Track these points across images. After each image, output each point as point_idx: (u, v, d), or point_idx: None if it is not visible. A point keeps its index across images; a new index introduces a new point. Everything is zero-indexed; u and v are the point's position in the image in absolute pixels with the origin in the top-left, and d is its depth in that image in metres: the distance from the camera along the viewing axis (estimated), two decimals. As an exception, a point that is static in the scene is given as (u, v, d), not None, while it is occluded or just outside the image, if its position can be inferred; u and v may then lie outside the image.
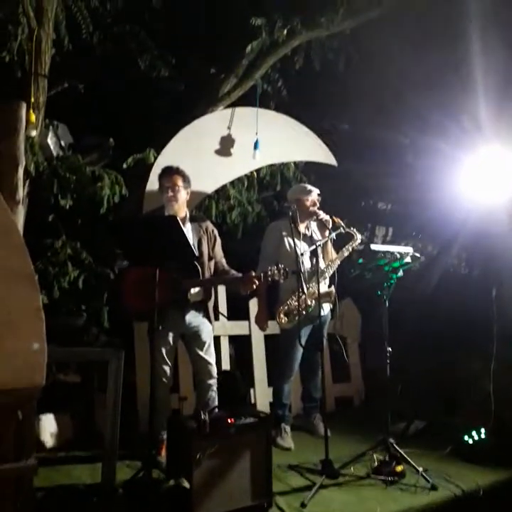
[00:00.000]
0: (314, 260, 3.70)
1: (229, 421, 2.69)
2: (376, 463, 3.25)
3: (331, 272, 3.76)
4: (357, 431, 4.00)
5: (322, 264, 3.75)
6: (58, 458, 3.39)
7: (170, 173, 3.37)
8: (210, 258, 3.44)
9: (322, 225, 3.83)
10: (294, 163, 4.75)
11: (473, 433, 3.54)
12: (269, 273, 3.19)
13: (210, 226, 3.55)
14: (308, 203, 3.81)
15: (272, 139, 4.29)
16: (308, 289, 3.66)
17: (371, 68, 4.50)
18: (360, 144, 5.28)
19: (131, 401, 3.78)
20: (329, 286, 3.78)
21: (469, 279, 4.48)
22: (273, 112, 4.46)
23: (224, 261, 3.53)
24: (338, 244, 3.89)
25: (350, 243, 3.80)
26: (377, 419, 3.52)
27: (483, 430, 3.51)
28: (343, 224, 3.74)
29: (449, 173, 4.24)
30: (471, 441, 3.55)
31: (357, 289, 4.56)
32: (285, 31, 4.33)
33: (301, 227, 3.84)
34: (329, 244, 3.86)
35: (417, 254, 3.32)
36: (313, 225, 3.93)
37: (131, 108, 4.60)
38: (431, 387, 4.35)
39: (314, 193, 3.85)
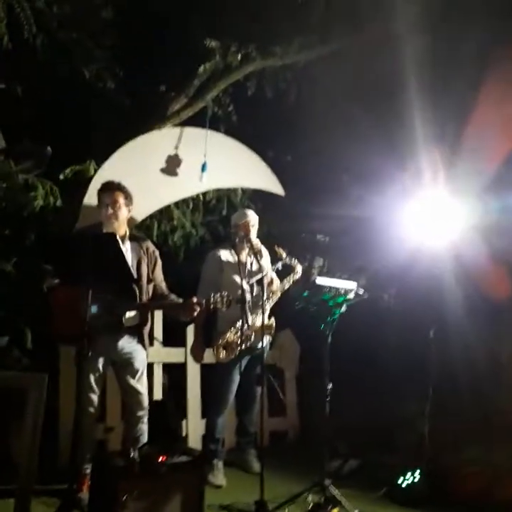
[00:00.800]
0: (255, 291, 3.60)
1: (160, 459, 2.47)
2: (311, 505, 3.12)
3: (272, 304, 3.67)
4: (292, 468, 3.86)
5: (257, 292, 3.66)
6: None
7: (111, 189, 3.18)
8: (148, 281, 3.25)
9: (261, 253, 3.69)
10: (242, 189, 4.66)
11: (408, 475, 3.48)
12: (212, 300, 3.04)
13: (151, 247, 3.37)
14: (241, 230, 3.64)
15: (221, 162, 4.18)
16: (247, 321, 3.52)
17: (319, 105, 4.54)
18: (305, 176, 5.30)
19: (52, 428, 3.47)
20: (269, 318, 3.67)
21: (407, 319, 4.50)
22: (223, 135, 4.36)
23: (164, 285, 3.36)
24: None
25: (292, 275, 3.73)
26: (312, 455, 3.43)
27: (418, 472, 3.46)
28: (284, 255, 3.66)
29: (394, 213, 4.29)
30: (405, 484, 3.48)
31: (297, 322, 4.48)
32: (239, 56, 4.28)
33: (243, 255, 3.70)
34: (273, 275, 3.77)
35: (360, 292, 3.29)
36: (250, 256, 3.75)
37: (73, 117, 4.35)
38: (367, 426, 4.30)
39: (251, 218, 3.69)
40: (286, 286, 3.73)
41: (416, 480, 3.47)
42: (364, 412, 4.36)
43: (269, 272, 3.68)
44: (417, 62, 3.92)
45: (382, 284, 5.08)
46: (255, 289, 3.64)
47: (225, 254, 3.65)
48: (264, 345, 3.63)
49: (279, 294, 3.70)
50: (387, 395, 4.30)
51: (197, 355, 3.74)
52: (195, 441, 4.21)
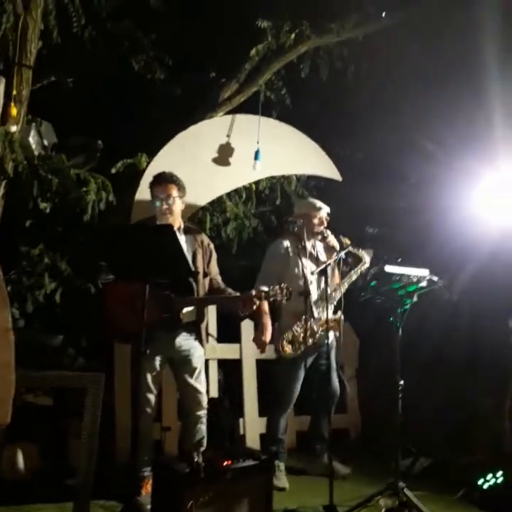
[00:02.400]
0: (322, 283, 3.41)
1: (225, 463, 2.33)
2: (384, 510, 2.91)
3: (339, 297, 3.44)
4: (359, 468, 3.69)
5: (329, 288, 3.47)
6: (22, 495, 2.98)
7: (164, 182, 3.06)
8: (205, 274, 3.12)
9: (328, 246, 3.56)
10: (296, 176, 4.47)
11: (489, 476, 3.22)
12: (271, 292, 2.88)
13: (206, 239, 3.25)
14: (315, 221, 3.54)
15: (274, 149, 4.01)
16: (314, 315, 3.36)
17: (380, 81, 4.25)
18: (361, 165, 5.06)
19: (109, 428, 3.42)
20: (335, 312, 3.46)
21: (477, 313, 4.19)
22: (276, 121, 4.18)
23: (219, 278, 3.23)
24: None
25: (359, 266, 3.52)
26: (379, 454, 3.23)
27: (500, 473, 3.19)
28: (351, 246, 3.45)
29: (460, 196, 3.99)
30: (486, 486, 3.22)
31: (356, 314, 4.26)
32: (292, 35, 4.08)
33: (308, 246, 3.54)
34: (336, 267, 3.57)
35: (435, 278, 3.04)
36: (319, 245, 3.64)
37: (123, 110, 4.28)
38: (436, 422, 4.05)
39: (324, 211, 3.58)
40: (354, 278, 3.52)
41: (498, 482, 3.22)
42: (434, 407, 4.12)
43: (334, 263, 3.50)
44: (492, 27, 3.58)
45: (444, 273, 4.80)
46: (322, 281, 3.45)
47: (291, 244, 3.48)
48: (330, 341, 3.46)
49: (346, 286, 3.50)
50: (458, 389, 4.02)
51: (262, 345, 3.45)
52: (252, 441, 4.07)
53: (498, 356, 3.55)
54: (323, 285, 3.44)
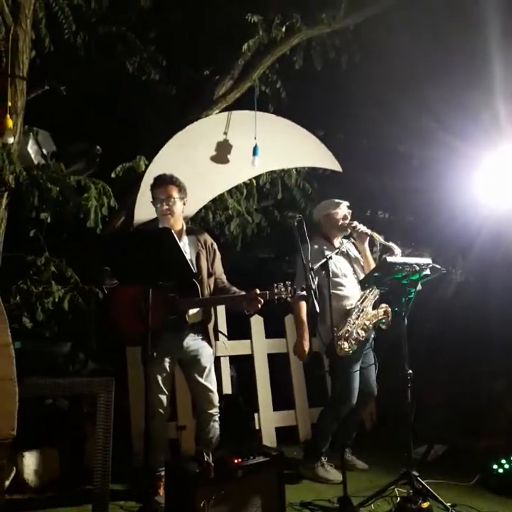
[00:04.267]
0: (359, 277, 3.47)
1: (236, 462, 2.35)
2: (399, 499, 2.91)
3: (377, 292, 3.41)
4: (373, 459, 3.69)
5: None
6: (44, 499, 3.06)
7: (164, 183, 3.08)
8: (209, 274, 3.13)
9: (359, 240, 3.57)
10: (296, 169, 4.45)
11: (503, 461, 3.21)
12: (276, 291, 2.86)
13: (209, 239, 3.25)
14: (338, 217, 3.54)
15: (272, 144, 4.00)
16: (362, 309, 3.34)
17: (376, 67, 4.19)
18: (363, 151, 5.01)
19: (124, 429, 3.46)
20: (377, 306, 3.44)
21: (486, 292, 4.15)
22: (272, 116, 4.16)
23: (224, 277, 3.23)
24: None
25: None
26: (393, 444, 3.24)
27: (514, 458, 3.18)
28: (381, 238, 3.44)
29: (462, 177, 3.95)
30: (501, 471, 3.21)
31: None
32: (284, 28, 4.05)
33: (336, 243, 3.55)
34: (370, 259, 3.58)
35: (438, 266, 3.01)
36: (346, 242, 3.62)
37: (119, 113, 4.29)
38: (449, 409, 4.04)
39: (344, 206, 3.58)
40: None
41: (513, 466, 3.21)
42: (447, 393, 4.10)
43: (367, 256, 3.58)
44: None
45: (450, 256, 4.76)
46: (361, 276, 3.50)
47: (319, 245, 3.44)
48: (373, 335, 3.49)
49: None
50: (470, 374, 3.99)
51: (301, 352, 3.41)
52: (268, 435, 4.11)
53: (509, 337, 3.51)
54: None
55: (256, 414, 4.12)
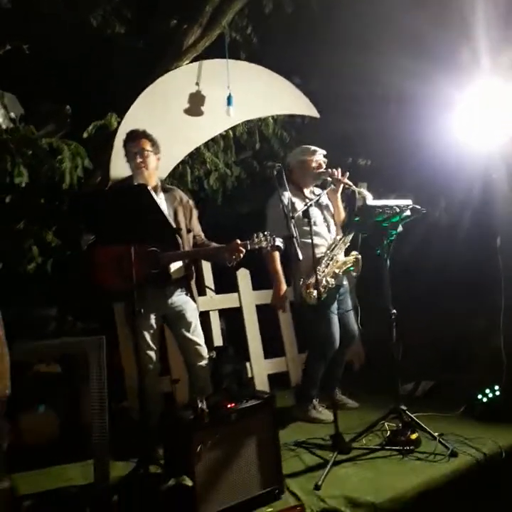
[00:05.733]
0: (330, 225, 3.47)
1: (229, 406, 2.41)
2: (389, 432, 3.03)
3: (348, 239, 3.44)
4: (363, 398, 3.81)
5: (335, 228, 3.56)
6: (45, 459, 3.10)
7: (136, 137, 3.04)
8: (188, 231, 3.13)
9: (332, 190, 3.55)
10: (273, 118, 4.37)
11: (487, 390, 3.33)
12: (256, 240, 2.89)
13: (185, 197, 3.23)
14: (313, 165, 3.49)
15: (247, 92, 3.91)
16: (332, 258, 3.36)
17: (349, 6, 4.05)
18: (337, 96, 4.90)
19: (119, 385, 3.53)
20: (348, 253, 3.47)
21: (462, 231, 4.19)
22: (245, 63, 4.06)
23: (203, 234, 3.24)
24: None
25: (362, 204, 3.39)
26: (381, 383, 3.32)
27: (497, 387, 3.30)
28: (352, 185, 3.43)
29: (440, 118, 3.90)
30: (485, 400, 3.34)
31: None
32: (251, -31, 3.90)
33: (306, 192, 3.54)
34: (342, 208, 3.59)
35: (417, 206, 3.03)
36: (318, 190, 3.61)
37: (87, 71, 4.14)
38: (434, 346, 4.15)
39: (319, 154, 3.53)
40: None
41: (496, 394, 3.33)
42: (433, 331, 4.20)
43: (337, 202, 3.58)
44: None
45: (431, 200, 4.78)
46: (331, 224, 3.53)
47: (291, 195, 3.39)
48: (345, 283, 3.55)
49: None
50: (455, 312, 4.09)
51: (279, 302, 3.44)
52: (261, 382, 4.21)
53: (489, 274, 3.58)
54: (333, 228, 3.52)
55: (248, 363, 4.20)
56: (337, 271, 3.37)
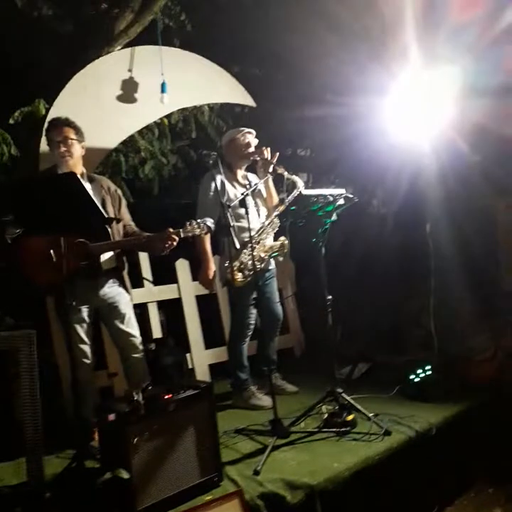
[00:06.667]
0: (261, 210, 3.47)
1: (166, 397, 2.39)
2: (326, 415, 3.10)
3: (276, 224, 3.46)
4: (303, 382, 3.86)
5: (264, 212, 3.55)
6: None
7: (59, 125, 2.94)
8: (117, 220, 3.04)
9: (263, 171, 3.53)
10: (209, 106, 4.33)
11: (419, 370, 3.47)
12: (189, 228, 2.86)
13: (113, 185, 3.16)
14: (241, 143, 3.49)
15: (181, 80, 3.85)
16: (258, 241, 3.38)
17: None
18: (273, 86, 4.92)
19: (55, 382, 3.42)
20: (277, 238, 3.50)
21: (394, 218, 4.33)
22: (179, 50, 4.00)
23: (133, 224, 3.17)
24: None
25: (294, 192, 3.45)
26: (320, 368, 3.39)
27: (428, 367, 3.44)
28: (285, 172, 3.40)
29: (374, 107, 3.99)
30: (417, 380, 3.48)
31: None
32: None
33: (239, 175, 3.53)
34: (273, 190, 3.59)
35: (350, 195, 3.10)
36: (251, 176, 3.62)
37: (13, 55, 3.94)
38: (372, 329, 4.27)
39: (249, 134, 3.53)
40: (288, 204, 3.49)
41: (427, 374, 3.47)
42: (368, 316, 4.32)
43: (268, 188, 3.57)
44: None
45: (368, 190, 4.90)
46: (261, 208, 3.53)
47: (223, 176, 3.39)
48: (272, 267, 3.61)
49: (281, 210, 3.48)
50: (390, 296, 4.23)
51: (207, 281, 3.51)
52: (202, 373, 4.20)
53: (420, 259, 3.72)
54: (263, 212, 3.52)
55: (188, 354, 4.18)
56: (263, 255, 3.40)
